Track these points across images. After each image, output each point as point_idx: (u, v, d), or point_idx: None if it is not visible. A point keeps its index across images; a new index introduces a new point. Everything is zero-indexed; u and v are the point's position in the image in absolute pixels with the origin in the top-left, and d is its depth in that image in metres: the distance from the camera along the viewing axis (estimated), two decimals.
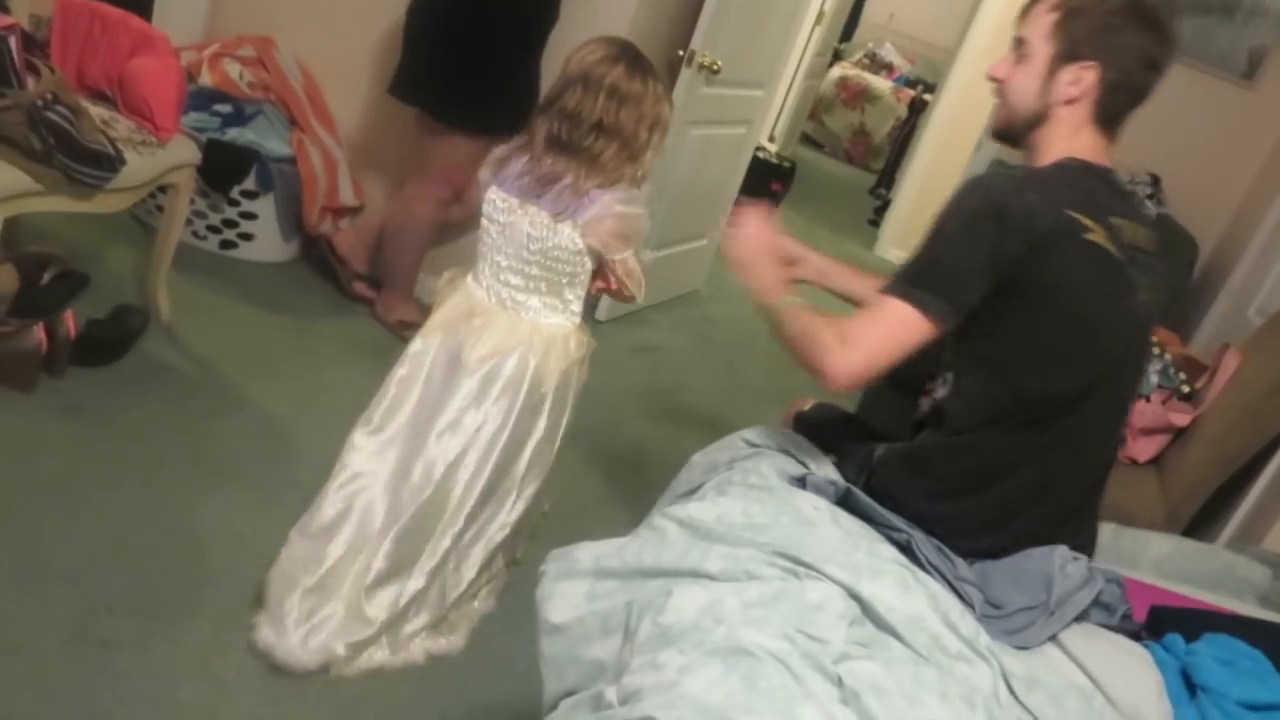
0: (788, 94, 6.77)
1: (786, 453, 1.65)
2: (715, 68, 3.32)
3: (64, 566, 1.87)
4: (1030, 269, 1.42)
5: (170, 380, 2.54)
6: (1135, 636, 1.40)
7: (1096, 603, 1.33)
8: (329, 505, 1.95)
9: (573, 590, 1.26)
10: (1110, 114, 1.55)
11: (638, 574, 1.26)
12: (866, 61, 8.61)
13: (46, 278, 2.56)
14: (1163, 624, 1.45)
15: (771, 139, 6.72)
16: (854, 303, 1.87)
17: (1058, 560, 1.34)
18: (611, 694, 1.07)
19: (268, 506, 2.20)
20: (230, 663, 1.78)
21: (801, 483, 1.50)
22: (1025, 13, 1.59)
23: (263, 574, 1.97)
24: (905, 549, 1.36)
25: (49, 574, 1.84)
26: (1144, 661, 1.29)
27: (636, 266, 1.96)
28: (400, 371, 2.01)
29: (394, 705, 1.82)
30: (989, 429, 1.50)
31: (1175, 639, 1.38)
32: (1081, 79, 1.51)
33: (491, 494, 1.97)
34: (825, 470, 1.60)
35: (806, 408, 1.95)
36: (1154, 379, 2.50)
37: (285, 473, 2.33)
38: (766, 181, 5.42)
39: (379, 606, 1.88)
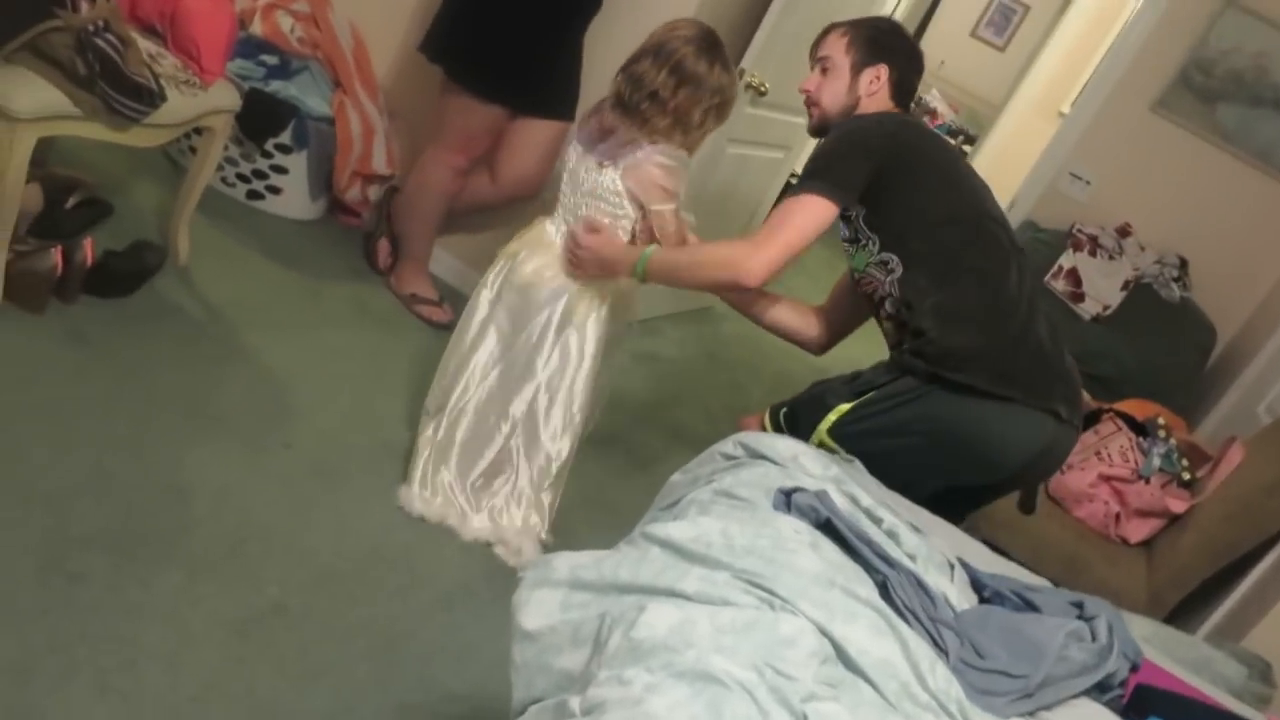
0: None
1: (765, 459, 1.63)
2: (763, 89, 3.32)
3: (45, 492, 1.86)
4: (894, 153, 1.95)
5: (178, 322, 2.53)
6: (1118, 714, 1.38)
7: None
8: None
9: (547, 599, 1.25)
10: (907, 87, 2.10)
11: (613, 588, 1.25)
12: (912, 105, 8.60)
13: (71, 202, 2.55)
14: (1147, 704, 1.41)
15: None
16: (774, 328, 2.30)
17: (1062, 638, 1.30)
18: (575, 704, 1.06)
19: (255, 462, 2.20)
20: (199, 613, 1.78)
21: (788, 500, 1.49)
22: (820, 43, 2.12)
23: (242, 530, 1.97)
24: (882, 588, 1.34)
25: (29, 498, 1.83)
26: None
27: (673, 224, 2.17)
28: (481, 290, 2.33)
29: (351, 682, 1.80)
30: (942, 267, 1.93)
31: None
32: (880, 75, 2.06)
33: (541, 401, 2.27)
34: (812, 469, 1.58)
35: (759, 422, 2.11)
36: (1156, 462, 2.49)
37: (277, 431, 2.33)
38: None
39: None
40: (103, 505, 1.90)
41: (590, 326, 2.25)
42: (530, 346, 2.24)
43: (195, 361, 2.42)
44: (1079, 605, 1.44)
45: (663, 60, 2.09)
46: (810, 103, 2.12)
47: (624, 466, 2.87)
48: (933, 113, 8.61)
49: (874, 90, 2.07)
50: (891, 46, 2.09)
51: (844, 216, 2.01)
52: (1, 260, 2.20)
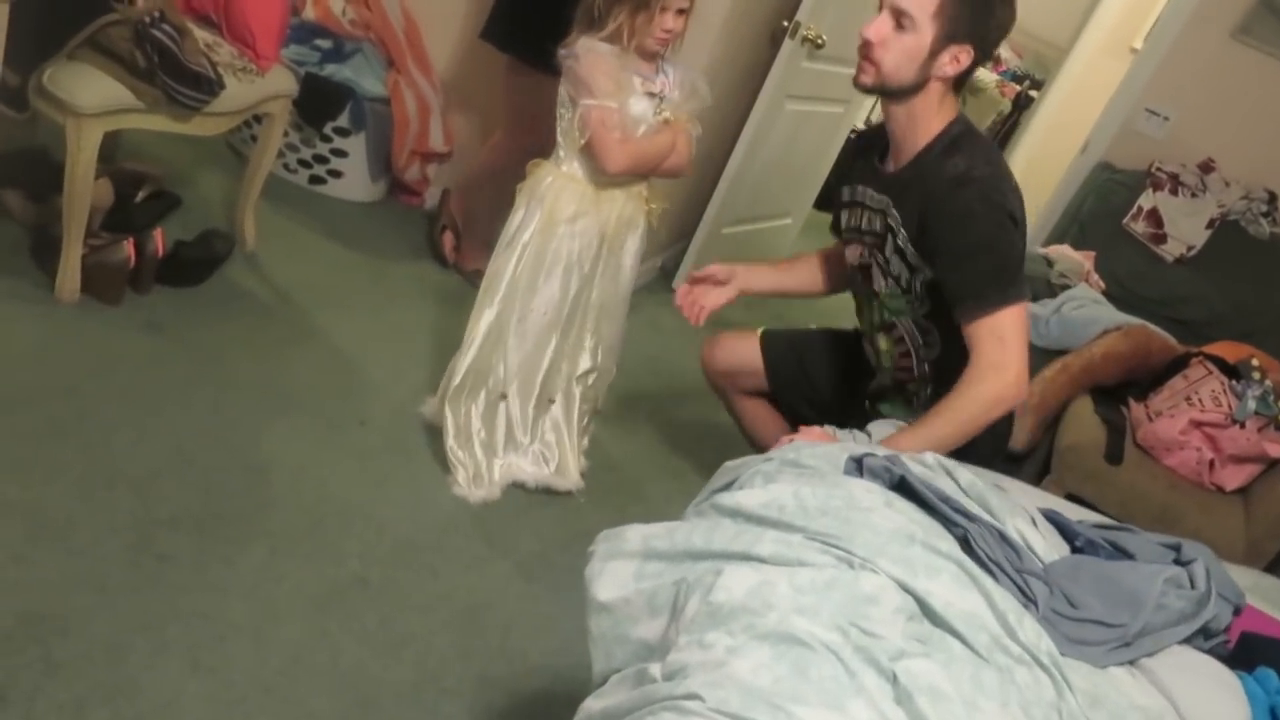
0: None
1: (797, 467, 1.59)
2: (820, 41, 3.23)
3: (131, 475, 1.91)
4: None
5: (248, 306, 2.57)
6: (1223, 661, 1.31)
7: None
8: None
9: (621, 570, 1.23)
10: (967, 79, 1.79)
11: (687, 555, 1.23)
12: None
13: (140, 195, 2.61)
14: (1253, 653, 1.34)
15: (867, 122, 6.56)
16: (784, 295, 2.34)
17: (1160, 585, 1.24)
18: (656, 670, 1.04)
19: (329, 439, 2.23)
20: (281, 589, 1.81)
21: (859, 465, 1.45)
22: None
23: (321, 506, 1.99)
24: (963, 542, 1.30)
25: (115, 481, 1.88)
26: (1234, 693, 1.21)
27: (593, 119, 2.02)
28: None
29: (433, 653, 1.82)
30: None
31: (1268, 674, 1.28)
32: (959, 58, 1.72)
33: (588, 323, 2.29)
34: (880, 433, 1.55)
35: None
36: (1251, 405, 2.38)
37: (349, 408, 2.35)
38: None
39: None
40: (185, 486, 1.94)
41: (630, 244, 2.25)
42: (581, 277, 2.21)
43: (267, 344, 2.46)
44: (1175, 549, 1.38)
45: None
46: (869, 56, 1.73)
47: (699, 434, 2.85)
48: (996, 59, 8.34)
49: (948, 75, 1.73)
50: (990, 20, 1.70)
51: (894, 256, 1.85)
52: (77, 254, 2.26)
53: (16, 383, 2.01)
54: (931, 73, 1.72)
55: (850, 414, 2.03)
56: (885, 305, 1.94)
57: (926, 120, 1.79)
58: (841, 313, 2.48)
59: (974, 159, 1.73)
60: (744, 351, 2.24)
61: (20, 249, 2.37)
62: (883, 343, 2.00)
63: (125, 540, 1.77)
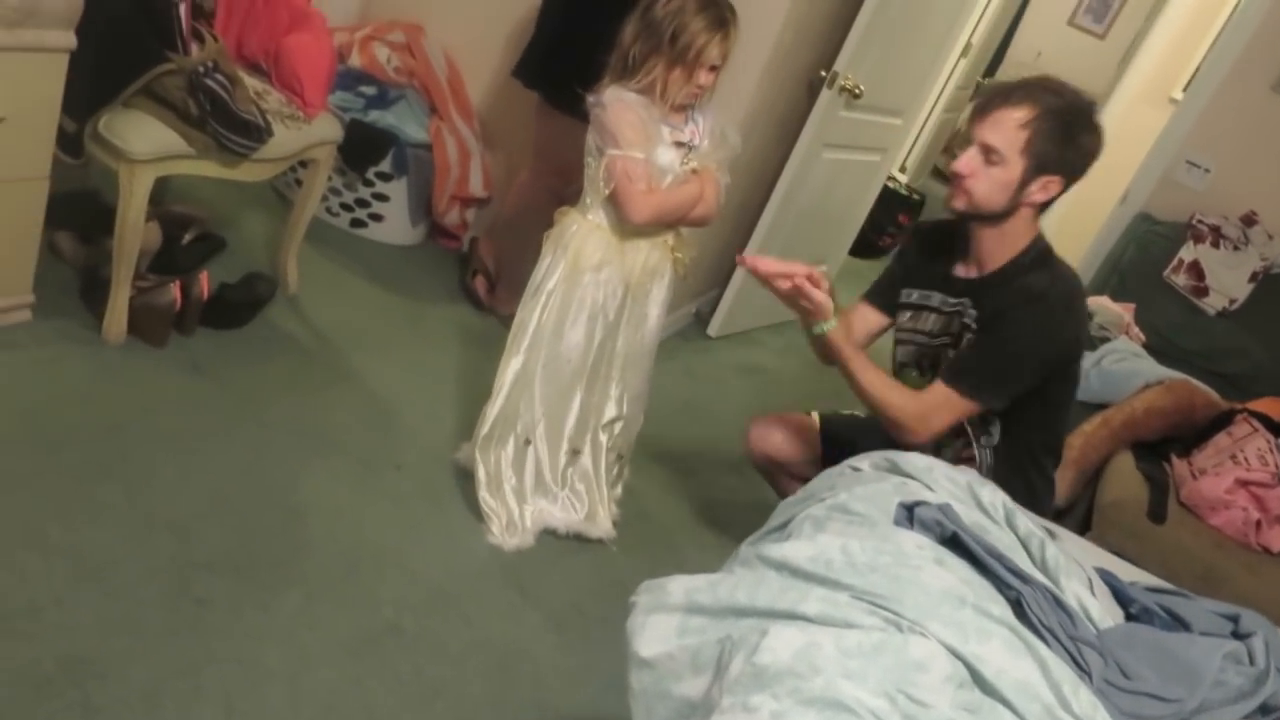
0: (925, 125, 6.62)
1: (895, 471, 1.58)
2: (857, 91, 3.25)
3: (171, 517, 1.92)
4: (1071, 363, 1.98)
5: (289, 348, 2.60)
6: None
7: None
8: None
9: (663, 624, 1.22)
10: (1055, 200, 1.88)
11: (731, 611, 1.22)
12: None
13: (187, 238, 2.65)
14: None
15: (903, 169, 6.58)
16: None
17: (1219, 660, 1.22)
18: None
19: (365, 482, 2.23)
20: (316, 635, 1.80)
21: (909, 514, 1.43)
22: (991, 119, 1.80)
23: (356, 551, 2.00)
24: (1015, 605, 1.28)
25: (156, 523, 1.89)
26: None
27: (617, 169, 2.03)
28: None
29: (466, 703, 1.81)
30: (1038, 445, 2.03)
31: None
32: (1049, 187, 1.83)
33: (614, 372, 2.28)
34: (939, 488, 1.52)
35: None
36: None
37: (385, 451, 2.36)
38: (894, 213, 5.30)
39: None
40: (224, 529, 1.95)
41: (655, 293, 2.25)
42: (606, 325, 2.21)
43: (307, 386, 2.48)
44: (1233, 619, 1.35)
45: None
46: (961, 186, 1.84)
47: (733, 483, 2.83)
48: (963, 154, 8.34)
49: (1037, 200, 1.85)
50: (1074, 154, 1.80)
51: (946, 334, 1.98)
52: (125, 296, 2.29)
53: (63, 421, 2.04)
54: (1021, 200, 1.84)
55: None
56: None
57: (1015, 238, 1.90)
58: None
59: (1056, 278, 1.88)
60: (799, 447, 2.25)
61: (70, 290, 2.41)
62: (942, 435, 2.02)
63: (164, 583, 1.78)
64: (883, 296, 2.16)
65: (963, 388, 1.90)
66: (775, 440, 2.27)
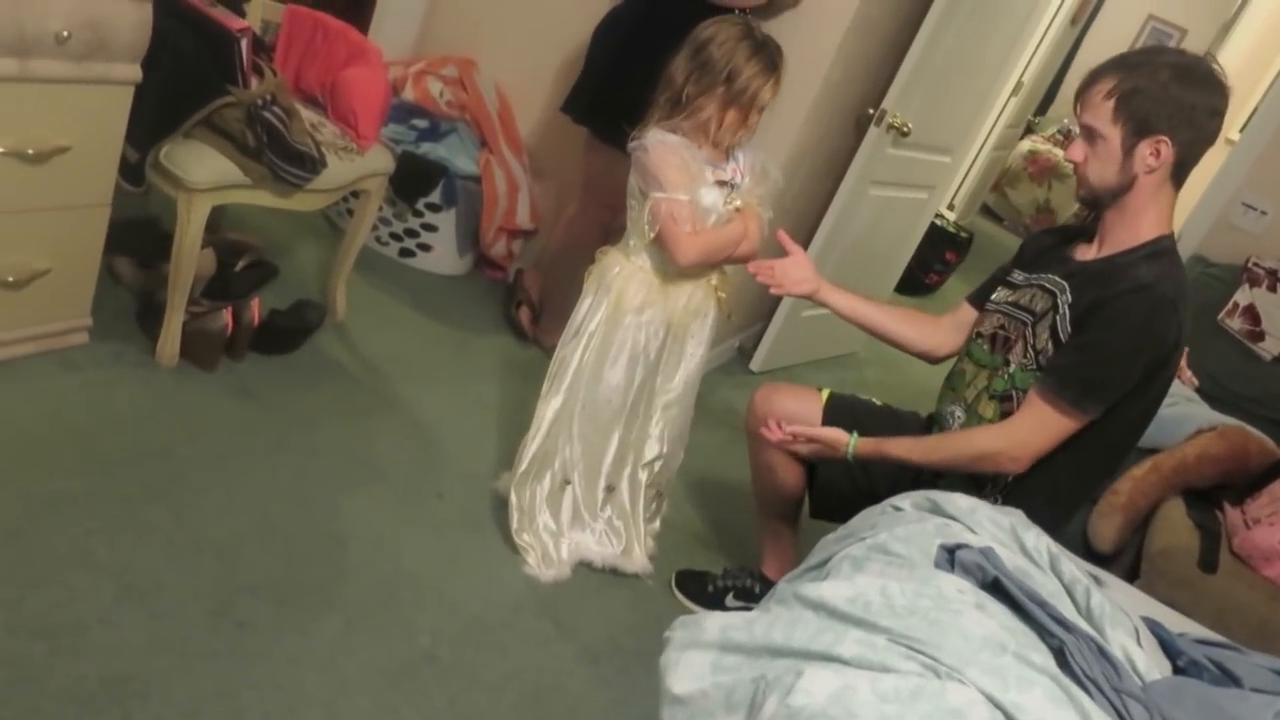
0: (974, 163, 6.59)
1: (937, 512, 1.56)
2: (905, 129, 3.25)
3: (217, 540, 1.95)
4: (1168, 361, 1.81)
5: (337, 375, 2.64)
6: None
7: None
8: None
9: (697, 661, 1.21)
10: (1186, 167, 1.76)
11: (766, 651, 1.21)
12: (1060, 138, 8.30)
13: (240, 265, 2.72)
14: None
15: (951, 206, 6.54)
16: (860, 323, 2.21)
17: (1270, 719, 1.19)
18: None
19: (406, 510, 2.25)
20: (354, 662, 1.82)
21: (951, 556, 1.41)
22: (1083, 100, 1.77)
23: (395, 579, 2.01)
24: (1058, 654, 1.25)
25: (202, 545, 1.93)
26: None
27: (662, 212, 2.03)
28: None
29: None
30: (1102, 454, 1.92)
31: None
32: (1159, 150, 1.72)
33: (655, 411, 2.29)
34: (982, 530, 1.50)
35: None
36: None
37: (429, 481, 2.38)
38: (941, 250, 5.26)
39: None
40: (267, 553, 1.97)
41: (698, 332, 2.24)
42: (647, 365, 2.21)
43: (353, 413, 2.51)
44: None
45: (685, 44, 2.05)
46: (1077, 176, 1.83)
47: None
48: (1071, 143, 8.27)
49: (1153, 167, 1.73)
50: (1174, 109, 1.69)
51: (1046, 333, 1.85)
52: (179, 321, 2.35)
53: (115, 443, 2.09)
54: (1134, 170, 1.75)
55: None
56: (1014, 377, 1.91)
57: (1140, 219, 1.80)
58: (897, 394, 2.46)
59: (1164, 276, 1.74)
60: (805, 410, 2.15)
61: (126, 313, 2.48)
62: (988, 410, 1.95)
63: (207, 605, 1.80)
64: (981, 296, 2.11)
65: (1068, 398, 1.76)
66: (784, 401, 2.18)
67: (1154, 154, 1.72)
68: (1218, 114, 1.71)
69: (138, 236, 2.66)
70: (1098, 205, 1.84)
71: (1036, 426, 1.81)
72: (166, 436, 2.16)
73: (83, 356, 2.28)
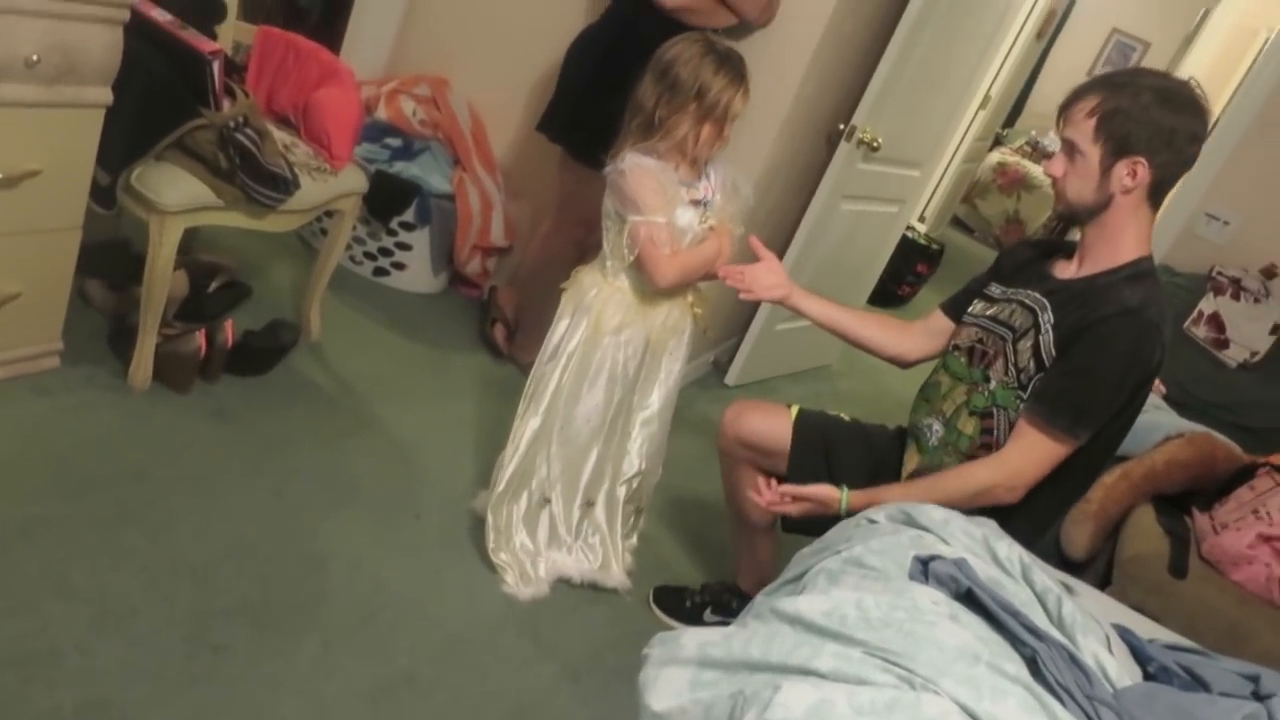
0: (943, 176, 6.66)
1: (911, 524, 1.58)
2: (875, 144, 3.29)
3: (193, 563, 1.94)
4: (1146, 386, 1.83)
5: (312, 395, 2.63)
6: None
7: None
8: None
9: (676, 677, 1.22)
10: (1163, 189, 1.78)
11: (744, 666, 1.22)
12: (1028, 149, 8.41)
13: (214, 286, 2.71)
14: None
15: (922, 219, 6.61)
16: (834, 329, 2.20)
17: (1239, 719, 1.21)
18: None
19: (384, 531, 2.25)
20: (333, 684, 1.81)
21: (925, 567, 1.43)
22: (1066, 115, 1.79)
23: (374, 600, 2.00)
24: (1031, 663, 1.27)
25: (178, 569, 1.91)
26: None
27: (641, 236, 2.05)
28: None
29: None
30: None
31: None
32: (1135, 171, 1.73)
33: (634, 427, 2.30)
34: (955, 541, 1.51)
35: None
36: None
37: (405, 500, 2.38)
38: (913, 262, 5.32)
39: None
40: (244, 576, 1.96)
41: (673, 351, 2.26)
42: (626, 384, 2.22)
43: (329, 434, 2.50)
44: (1253, 679, 1.33)
45: (649, 68, 2.07)
46: (1056, 190, 1.85)
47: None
48: (1051, 157, 8.39)
49: (1130, 188, 1.75)
50: (1154, 131, 1.70)
51: (1028, 351, 1.84)
52: (152, 343, 2.34)
53: (89, 467, 2.07)
54: (1111, 189, 1.76)
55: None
56: (994, 394, 1.91)
57: (1119, 237, 1.81)
58: (872, 405, 2.50)
59: (1148, 300, 1.75)
60: (774, 429, 2.14)
61: (98, 336, 2.46)
62: (968, 426, 1.95)
63: (184, 630, 1.79)
64: (956, 306, 2.11)
65: (1060, 425, 1.76)
66: (754, 419, 2.16)
67: (1131, 174, 1.74)
68: (1197, 139, 1.73)
69: (109, 259, 2.64)
70: (1075, 221, 1.86)
71: (1030, 456, 1.80)
72: (141, 460, 2.15)
73: (54, 381, 2.27)
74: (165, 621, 1.79)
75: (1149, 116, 1.70)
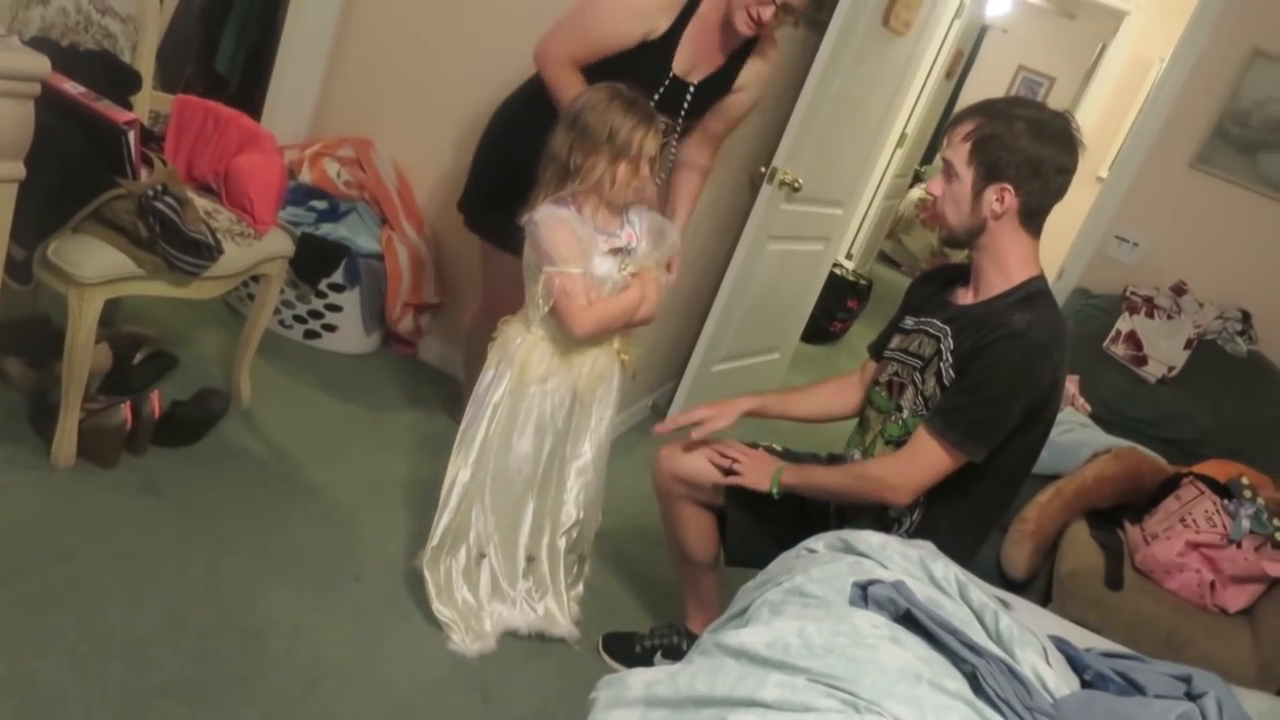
0: (867, 213, 6.82)
1: (849, 551, 1.60)
2: (796, 185, 3.36)
3: (124, 643, 1.88)
4: (1048, 401, 1.88)
5: (244, 464, 2.58)
6: None
7: None
8: None
9: (624, 718, 1.22)
10: (1035, 217, 1.85)
11: (690, 702, 1.22)
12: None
13: (138, 358, 2.66)
14: None
15: (849, 256, 6.75)
16: (794, 419, 2.31)
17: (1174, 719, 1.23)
18: None
19: (326, 598, 2.20)
20: None
21: (864, 592, 1.44)
22: (948, 137, 1.85)
23: (316, 668, 1.96)
24: (971, 679, 1.29)
25: (109, 650, 1.85)
26: None
27: (555, 287, 2.07)
28: None
29: None
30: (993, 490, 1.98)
31: None
32: (1004, 197, 1.80)
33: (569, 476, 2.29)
34: (893, 564, 1.54)
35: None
36: (1245, 524, 2.39)
37: (344, 563, 2.34)
38: (843, 298, 5.42)
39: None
40: (179, 652, 1.91)
41: (603, 399, 2.26)
42: (556, 434, 2.21)
43: (263, 501, 2.46)
44: (1185, 680, 1.37)
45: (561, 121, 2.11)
46: (935, 209, 1.91)
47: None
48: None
49: (998, 213, 1.81)
50: (1023, 160, 1.76)
51: (932, 378, 1.92)
52: (75, 419, 2.28)
53: (12, 551, 2.00)
54: (982, 213, 1.83)
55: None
56: (907, 423, 1.98)
57: (1005, 261, 1.87)
58: (808, 435, 2.55)
59: (1036, 322, 1.80)
60: (708, 465, 2.14)
61: (18, 415, 2.40)
62: (884, 455, 2.02)
63: (117, 712, 1.73)
64: (880, 346, 2.17)
65: (951, 439, 1.83)
66: (689, 457, 2.17)
67: (999, 200, 1.80)
68: (1065, 171, 1.80)
69: (27, 336, 2.58)
70: (955, 244, 1.92)
71: (919, 461, 1.87)
72: (66, 539, 2.09)
73: None
74: (98, 704, 1.73)
75: (1019, 145, 1.76)
